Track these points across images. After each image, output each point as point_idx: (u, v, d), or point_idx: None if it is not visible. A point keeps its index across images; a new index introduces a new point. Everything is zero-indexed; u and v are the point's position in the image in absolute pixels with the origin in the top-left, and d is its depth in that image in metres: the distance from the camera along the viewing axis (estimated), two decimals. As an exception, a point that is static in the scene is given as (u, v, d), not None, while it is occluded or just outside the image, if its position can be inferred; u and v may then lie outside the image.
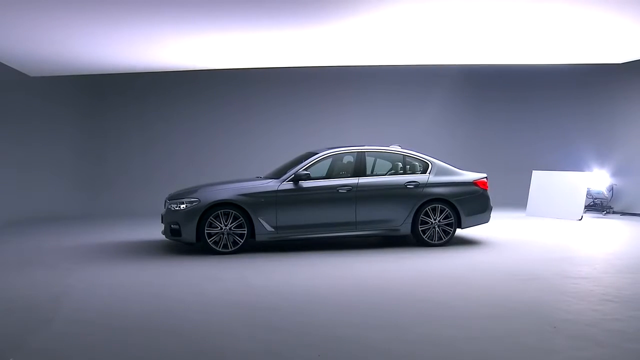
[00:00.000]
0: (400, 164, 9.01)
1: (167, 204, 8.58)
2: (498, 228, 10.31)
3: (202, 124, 15.11)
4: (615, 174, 13.05)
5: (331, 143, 14.31)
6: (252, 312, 5.37)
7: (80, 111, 14.72)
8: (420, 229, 8.61)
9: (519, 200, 13.68)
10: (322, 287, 6.31)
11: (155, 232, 9.72)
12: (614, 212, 12.75)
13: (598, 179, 12.96)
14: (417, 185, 8.66)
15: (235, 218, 8.15)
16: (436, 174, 8.82)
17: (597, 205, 13.03)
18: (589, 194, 12.72)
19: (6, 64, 11.46)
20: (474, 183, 8.95)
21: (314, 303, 5.68)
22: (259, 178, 9.18)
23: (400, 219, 8.58)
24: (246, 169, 14.08)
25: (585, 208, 12.32)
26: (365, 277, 6.75)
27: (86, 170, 14.55)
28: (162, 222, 8.65)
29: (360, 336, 4.62)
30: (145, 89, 14.75)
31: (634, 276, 6.65)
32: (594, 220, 11.90)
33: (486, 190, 9.05)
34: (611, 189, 12.96)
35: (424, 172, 8.84)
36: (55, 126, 13.95)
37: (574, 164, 13.63)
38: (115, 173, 14.66)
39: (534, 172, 13.16)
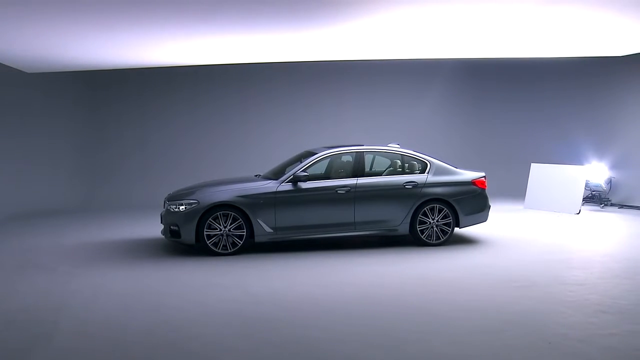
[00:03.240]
0: (398, 163, 9.02)
1: (166, 204, 8.60)
2: (496, 223, 10.35)
3: (200, 117, 15.11)
4: (613, 166, 13.07)
5: (330, 136, 14.41)
6: (252, 324, 5.41)
7: (78, 104, 14.69)
8: (418, 229, 8.66)
9: (517, 191, 13.74)
10: (321, 295, 6.34)
11: (154, 228, 9.77)
12: (611, 205, 12.80)
13: (596, 171, 12.98)
14: (416, 185, 8.68)
15: (234, 219, 8.19)
16: (435, 174, 8.84)
17: (595, 198, 13.07)
18: (587, 186, 12.75)
19: (2, 62, 11.39)
20: (472, 182, 8.96)
21: (313, 313, 5.73)
22: (258, 176, 9.21)
23: (398, 219, 8.61)
24: (245, 162, 14.15)
25: (583, 200, 12.36)
26: (365, 284, 6.78)
27: (85, 163, 14.57)
28: (161, 223, 8.69)
29: (357, 355, 4.67)
30: (143, 81, 14.71)
31: (630, 282, 6.70)
32: (591, 214, 11.95)
33: (484, 189, 9.07)
34: (609, 181, 12.99)
35: (422, 171, 8.86)
36: (54, 119, 13.93)
37: (573, 156, 13.65)
38: (113, 166, 14.69)
39: (532, 164, 13.17)
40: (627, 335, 5.00)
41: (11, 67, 12.04)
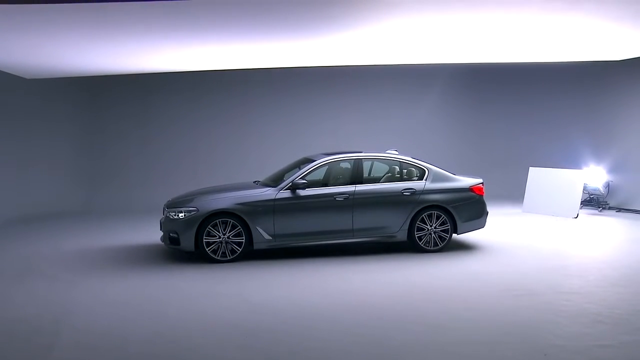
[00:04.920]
0: (397, 169, 9.05)
1: (165, 211, 8.64)
2: (494, 227, 10.37)
3: (199, 122, 15.16)
4: (611, 170, 13.12)
5: (329, 140, 14.46)
6: (251, 335, 5.44)
7: (78, 108, 14.74)
8: (416, 235, 8.70)
9: (515, 194, 13.79)
10: (320, 304, 6.37)
11: (154, 234, 9.80)
12: (609, 208, 12.85)
13: (594, 175, 13.02)
14: (414, 192, 8.72)
15: (233, 227, 8.23)
16: (433, 181, 8.88)
17: (593, 201, 13.12)
18: (585, 189, 12.80)
19: (1, 69, 11.43)
20: (470, 189, 9.00)
21: (312, 323, 5.76)
22: (256, 182, 9.25)
23: (396, 226, 8.66)
24: (244, 166, 14.19)
25: (581, 204, 12.41)
26: (363, 292, 6.82)
27: (85, 166, 14.62)
28: (160, 230, 8.73)
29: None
30: (143, 85, 14.74)
31: (626, 291, 6.74)
32: (589, 218, 12.00)
33: (482, 195, 9.11)
34: (607, 185, 13.03)
35: (420, 178, 8.90)
36: (54, 123, 13.98)
37: (571, 160, 13.71)
38: (113, 169, 14.74)
39: (530, 168, 13.22)
40: (623, 346, 5.04)
41: (11, 74, 12.07)
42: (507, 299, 6.45)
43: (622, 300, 6.36)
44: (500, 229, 10.59)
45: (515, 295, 6.58)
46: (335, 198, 8.52)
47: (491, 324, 5.67)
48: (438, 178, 8.93)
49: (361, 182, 8.72)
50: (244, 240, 8.26)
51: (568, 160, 13.73)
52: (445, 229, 8.77)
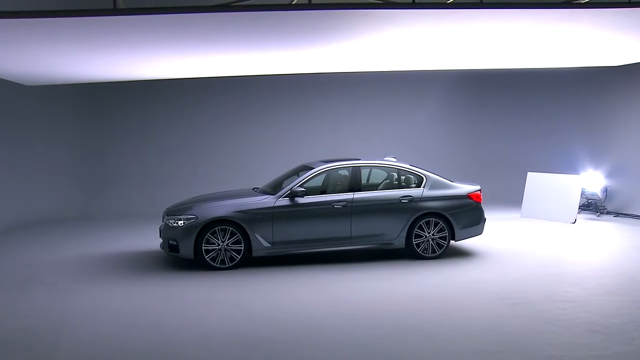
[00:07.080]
0: (395, 177, 9.10)
1: (164, 219, 8.69)
2: (493, 232, 10.42)
3: (198, 127, 15.19)
4: (609, 175, 13.17)
5: (328, 145, 14.49)
6: (251, 345, 5.49)
7: (78, 114, 14.78)
8: (414, 243, 8.75)
9: (514, 199, 13.82)
10: (318, 313, 6.42)
11: (153, 240, 9.85)
12: (607, 213, 12.89)
13: (592, 180, 13.07)
14: (412, 199, 8.77)
15: (232, 234, 8.28)
16: (430, 188, 8.93)
17: (591, 206, 13.16)
18: (583, 194, 12.85)
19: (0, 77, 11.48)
20: (467, 196, 9.05)
21: (310, 332, 5.81)
22: (255, 189, 9.30)
23: (394, 233, 8.71)
24: (242, 173, 14.23)
25: (579, 208, 12.45)
26: (361, 300, 6.86)
27: (84, 172, 14.65)
28: (160, 237, 8.78)
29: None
30: (142, 92, 14.78)
31: (623, 299, 6.78)
32: (587, 223, 12.03)
33: (480, 202, 9.16)
34: (605, 190, 13.08)
35: (418, 185, 8.95)
36: (53, 129, 14.01)
37: (569, 165, 13.77)
38: (113, 175, 14.77)
39: (529, 173, 13.27)
40: (618, 356, 5.08)
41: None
42: (503, 308, 6.49)
43: (617, 309, 6.40)
44: (498, 235, 10.63)
45: (512, 303, 6.63)
46: (333, 205, 8.57)
47: (487, 333, 5.72)
48: (436, 185, 8.98)
49: (359, 190, 8.76)
50: (242, 248, 8.31)
51: (566, 165, 13.80)
52: (443, 236, 8.82)
